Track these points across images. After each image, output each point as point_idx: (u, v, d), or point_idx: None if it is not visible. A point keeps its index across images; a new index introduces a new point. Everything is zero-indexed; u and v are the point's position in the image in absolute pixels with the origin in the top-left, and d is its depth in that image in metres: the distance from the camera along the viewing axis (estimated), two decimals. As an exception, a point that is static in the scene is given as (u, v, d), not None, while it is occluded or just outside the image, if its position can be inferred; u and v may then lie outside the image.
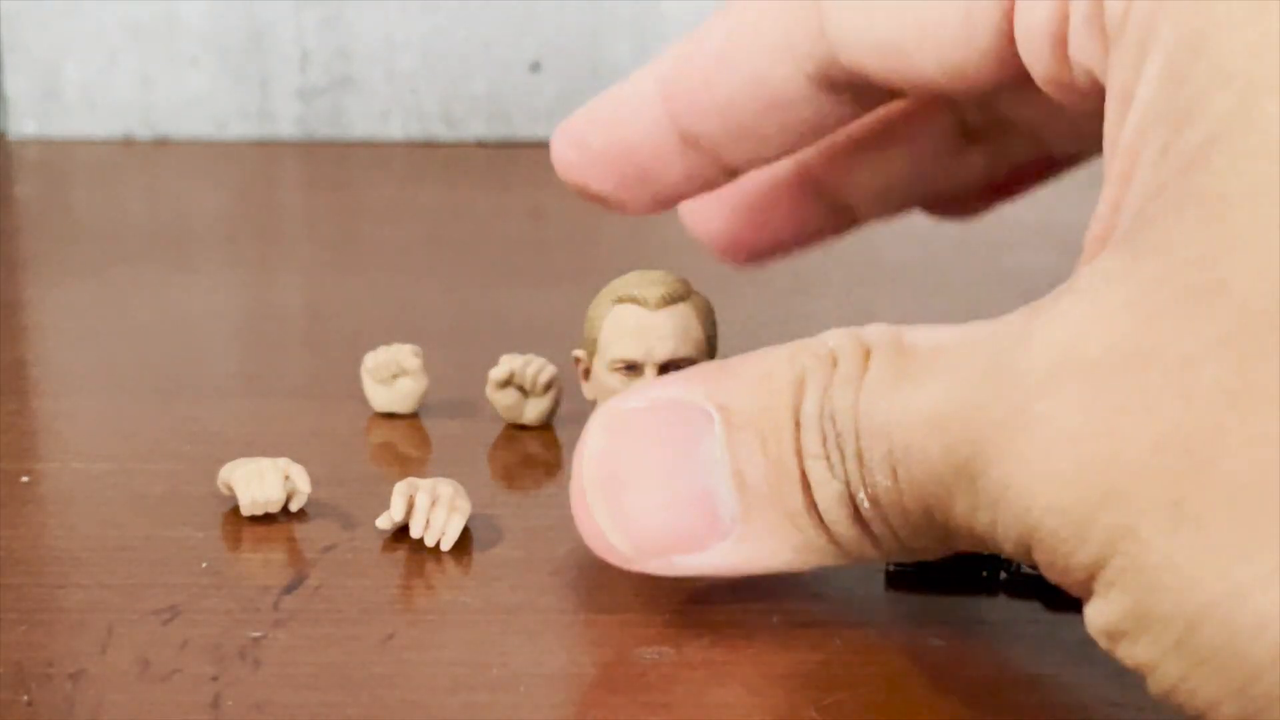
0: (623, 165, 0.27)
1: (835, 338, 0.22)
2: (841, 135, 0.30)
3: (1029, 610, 0.26)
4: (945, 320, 0.21)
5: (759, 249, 0.32)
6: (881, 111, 0.29)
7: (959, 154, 0.30)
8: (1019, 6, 0.22)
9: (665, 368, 0.28)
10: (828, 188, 0.31)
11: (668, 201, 0.28)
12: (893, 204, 0.31)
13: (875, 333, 0.22)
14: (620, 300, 0.28)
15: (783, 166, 0.30)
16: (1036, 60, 0.22)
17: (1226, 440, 0.17)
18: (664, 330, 0.28)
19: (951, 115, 0.30)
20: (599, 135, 0.27)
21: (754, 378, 0.23)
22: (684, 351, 0.28)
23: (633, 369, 0.28)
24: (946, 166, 0.30)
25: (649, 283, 0.28)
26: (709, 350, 0.28)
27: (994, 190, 0.31)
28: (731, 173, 0.27)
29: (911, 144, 0.30)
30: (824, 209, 0.31)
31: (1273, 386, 0.17)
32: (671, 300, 0.28)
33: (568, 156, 0.28)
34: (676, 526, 0.23)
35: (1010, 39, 0.23)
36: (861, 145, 0.30)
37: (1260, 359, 0.17)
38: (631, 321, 0.28)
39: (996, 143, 0.30)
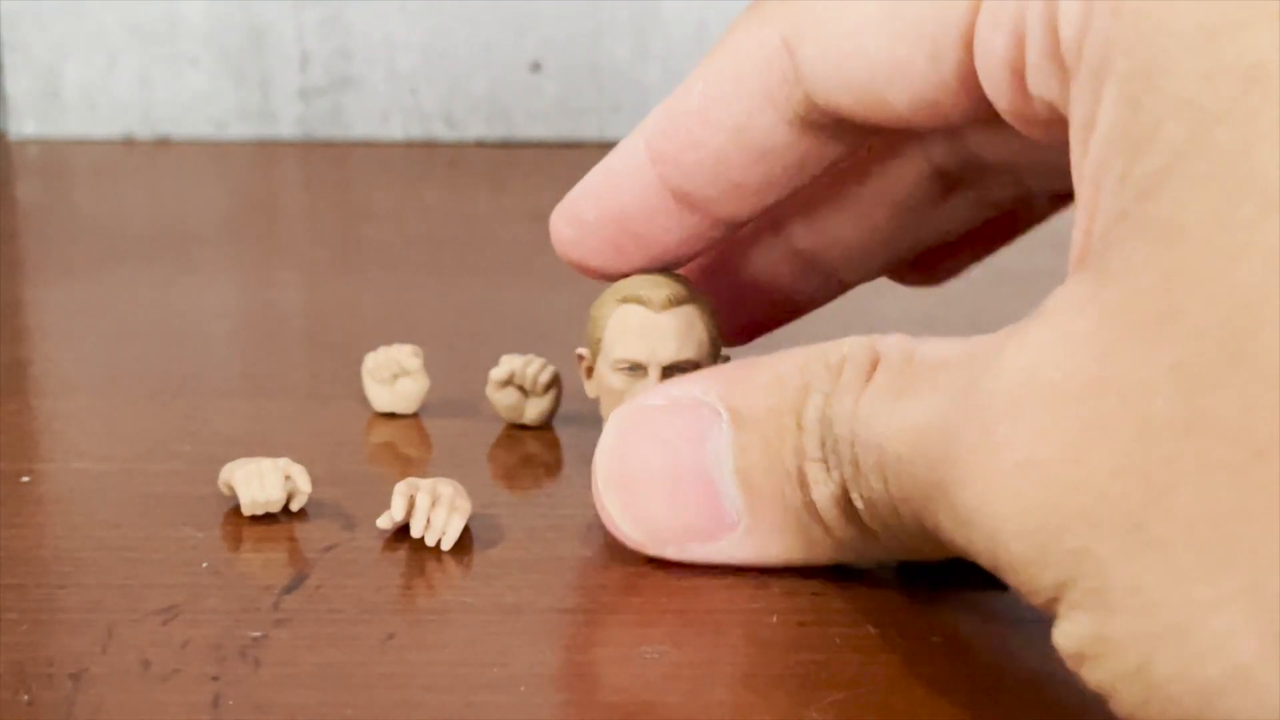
0: (618, 234, 0.28)
1: (850, 346, 0.23)
2: (819, 193, 0.30)
3: (1030, 609, 0.26)
4: (944, 324, 0.22)
5: (749, 327, 0.32)
6: (858, 164, 0.30)
7: (938, 203, 0.30)
8: (978, 40, 0.22)
9: (669, 370, 0.28)
10: (809, 253, 0.30)
11: (655, 264, 0.28)
12: (875, 261, 0.31)
13: (889, 343, 0.22)
14: (625, 300, 0.28)
15: (764, 239, 0.30)
16: (999, 94, 0.22)
17: (1181, 466, 0.17)
18: (668, 331, 0.28)
19: (927, 163, 0.29)
20: (593, 208, 0.28)
21: (765, 381, 0.24)
22: (687, 353, 0.28)
23: (636, 369, 0.28)
24: (926, 217, 0.30)
25: (653, 285, 0.28)
26: (712, 352, 0.28)
27: (975, 242, 0.31)
28: (726, 227, 0.27)
29: (889, 196, 0.30)
30: (807, 275, 0.31)
31: (1222, 413, 0.17)
32: (676, 302, 0.28)
33: (565, 234, 0.28)
34: (683, 517, 0.25)
35: (974, 73, 0.23)
36: (839, 202, 0.30)
37: (1210, 387, 0.17)
38: (635, 322, 0.28)
39: (975, 187, 0.30)
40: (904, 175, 0.29)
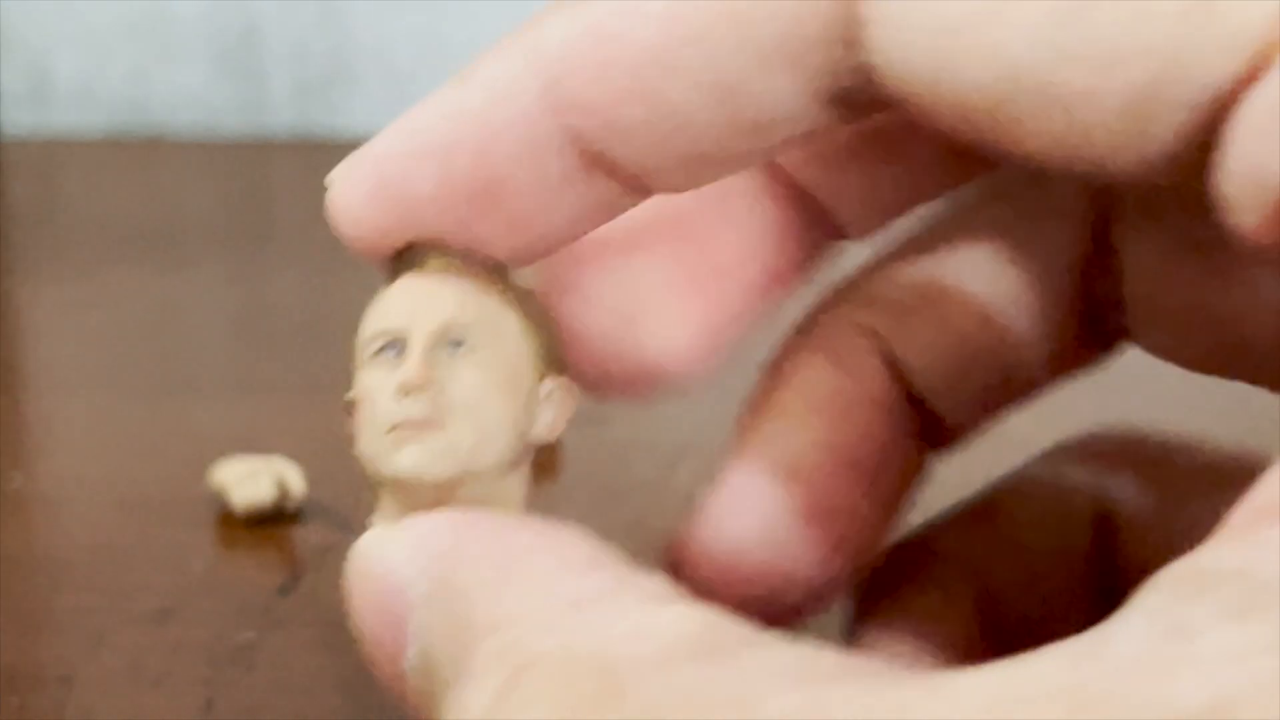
0: (476, 212, 0.18)
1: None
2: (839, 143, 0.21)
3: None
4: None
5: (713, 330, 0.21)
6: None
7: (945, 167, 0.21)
8: (1245, 126, 0.14)
9: (447, 342, 0.17)
10: (808, 190, 0.21)
11: (539, 252, 0.19)
12: (889, 217, 0.21)
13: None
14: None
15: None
16: (1251, 203, 0.14)
17: None
18: (439, 291, 0.18)
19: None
20: (434, 173, 0.18)
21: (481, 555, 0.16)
22: (468, 316, 0.18)
23: (390, 348, 0.18)
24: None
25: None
26: (530, 345, 0.18)
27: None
28: (643, 198, 0.19)
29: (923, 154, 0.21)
30: (796, 222, 0.21)
31: None
32: (465, 275, 0.18)
33: (373, 218, 0.18)
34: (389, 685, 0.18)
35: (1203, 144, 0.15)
36: (862, 153, 0.21)
37: None
38: (395, 290, 0.18)
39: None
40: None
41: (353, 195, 0.18)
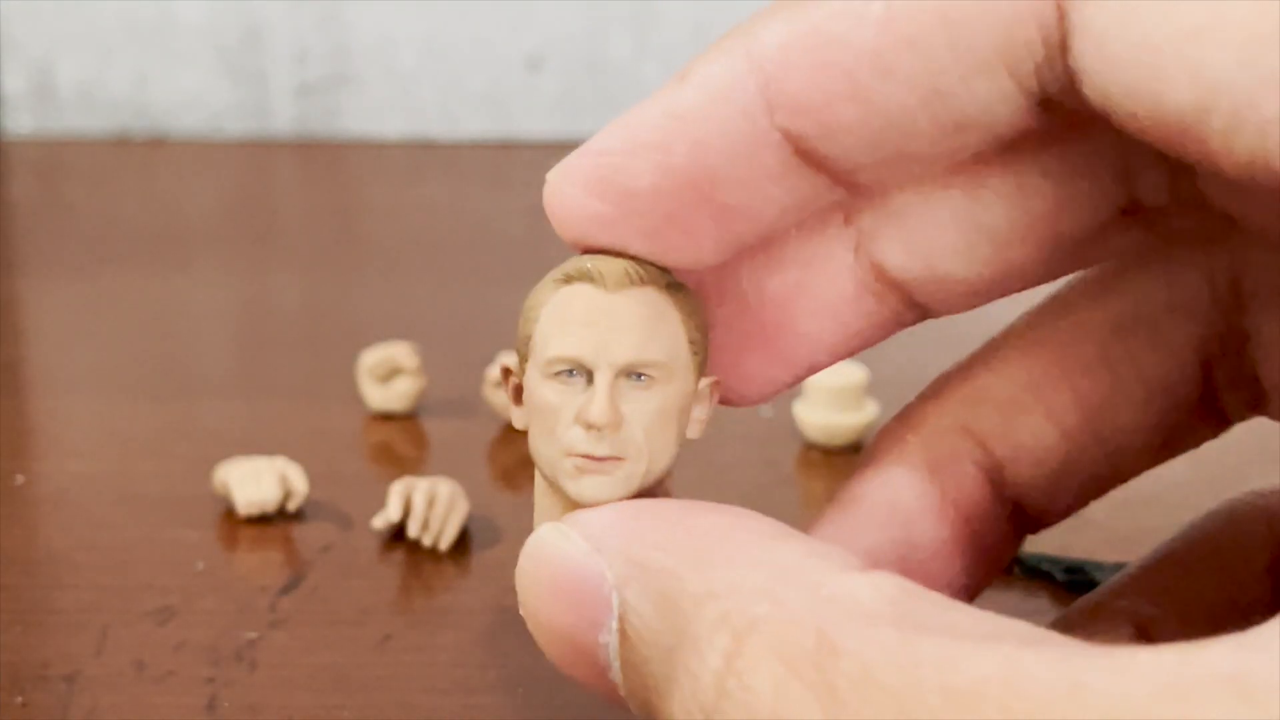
0: (692, 205, 0.19)
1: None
2: (932, 183, 0.20)
3: (1035, 606, 0.26)
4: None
5: (767, 373, 0.21)
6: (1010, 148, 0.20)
7: (1111, 232, 0.21)
8: None
9: (627, 375, 0.19)
10: (894, 271, 0.21)
11: (743, 244, 0.19)
12: (988, 292, 0.21)
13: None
14: (568, 280, 0.19)
15: (824, 236, 0.21)
16: None
17: None
18: (625, 318, 0.19)
19: (1122, 188, 0.20)
20: (651, 168, 0.18)
21: (693, 589, 0.17)
22: (653, 353, 0.19)
23: (576, 374, 0.19)
24: (1088, 244, 0.21)
25: (610, 259, 0.19)
26: (692, 365, 0.19)
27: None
28: (848, 192, 0.19)
29: (1045, 215, 0.20)
30: (879, 299, 0.21)
31: None
32: (640, 281, 0.19)
33: (590, 210, 0.19)
34: (583, 678, 0.19)
35: None
36: (962, 203, 0.20)
37: None
38: (580, 307, 0.19)
39: (1169, 221, 0.21)
40: (1075, 195, 0.20)
41: (571, 188, 0.19)
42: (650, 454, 0.18)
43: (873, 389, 0.33)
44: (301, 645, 0.25)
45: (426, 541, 0.28)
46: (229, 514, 0.29)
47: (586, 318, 0.19)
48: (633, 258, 0.19)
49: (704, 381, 0.19)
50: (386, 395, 0.34)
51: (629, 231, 0.19)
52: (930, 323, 0.21)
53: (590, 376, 0.19)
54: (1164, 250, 0.21)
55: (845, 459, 0.32)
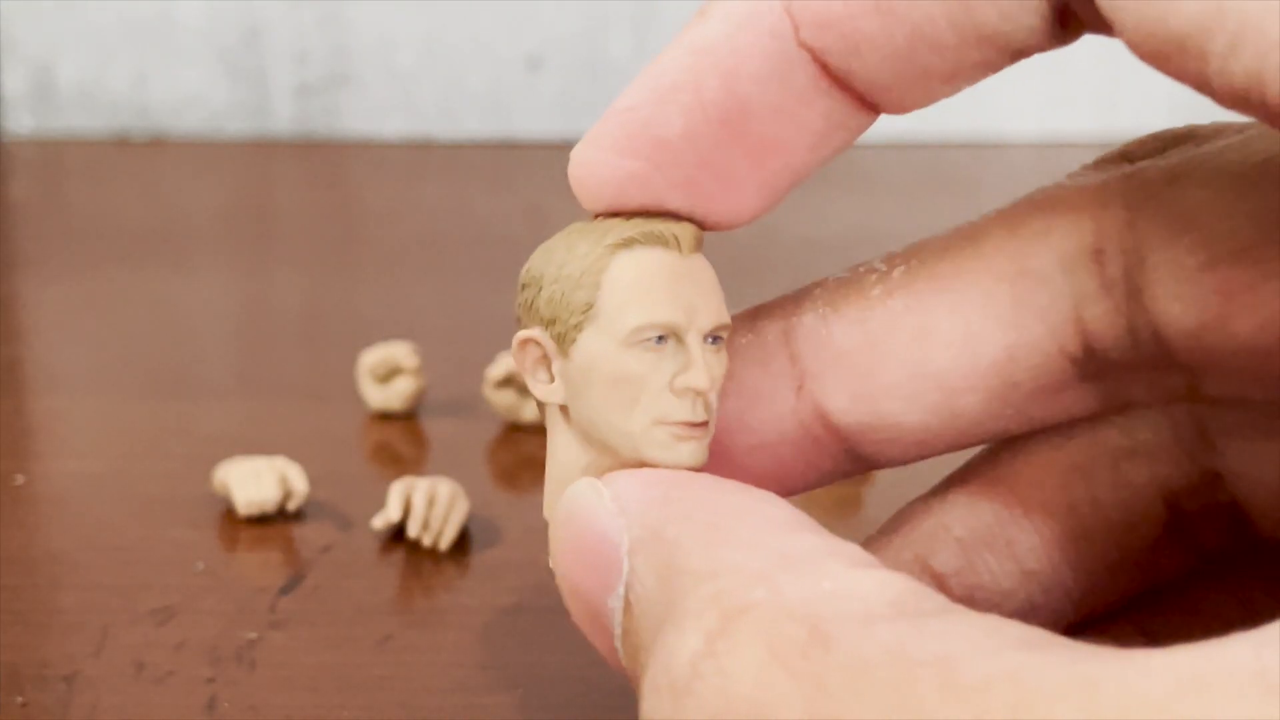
0: (725, 145, 0.18)
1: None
2: (878, 342, 0.20)
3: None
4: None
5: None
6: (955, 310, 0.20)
7: (1064, 388, 0.20)
8: None
9: (712, 340, 0.19)
10: (842, 427, 0.20)
11: (782, 184, 0.19)
12: (931, 441, 0.20)
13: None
14: (629, 243, 0.18)
15: (776, 386, 0.20)
16: None
17: None
18: (706, 282, 0.19)
19: (1073, 336, 0.20)
20: (685, 109, 0.18)
21: (698, 566, 0.16)
22: (726, 315, 0.19)
23: (664, 340, 0.18)
24: (1041, 401, 0.20)
25: (657, 220, 0.19)
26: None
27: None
28: (870, 120, 0.19)
29: (993, 368, 0.20)
30: (824, 451, 0.21)
31: None
32: (700, 242, 0.19)
33: (625, 170, 0.18)
34: (596, 642, 0.18)
35: None
36: (905, 365, 0.20)
37: None
38: (662, 271, 0.18)
39: (1123, 381, 0.20)
40: (1024, 342, 0.20)
41: (600, 153, 0.19)
42: (715, 417, 0.19)
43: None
44: (301, 645, 0.25)
45: (426, 541, 0.28)
46: (229, 514, 0.29)
47: (672, 283, 0.18)
48: (663, 215, 0.19)
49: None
50: (386, 395, 0.34)
51: (665, 185, 0.19)
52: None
53: (678, 340, 0.18)
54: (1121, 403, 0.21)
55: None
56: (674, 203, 0.19)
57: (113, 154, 0.60)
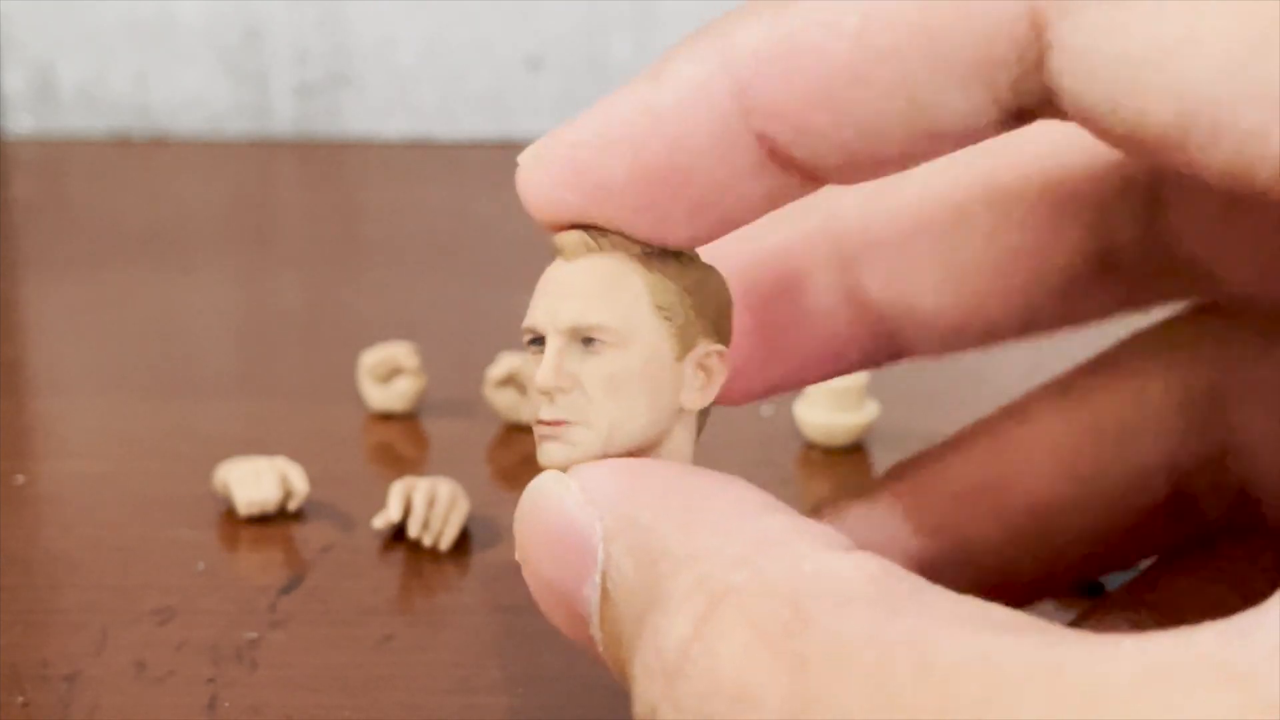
0: (665, 199, 0.19)
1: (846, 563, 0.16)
2: (916, 224, 0.21)
3: (1037, 605, 0.26)
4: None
5: (763, 382, 0.22)
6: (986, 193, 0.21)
7: (1083, 289, 0.21)
8: None
9: (581, 339, 0.19)
10: (880, 305, 0.22)
11: (715, 235, 0.20)
12: (965, 336, 0.21)
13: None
14: (552, 258, 0.20)
15: (818, 270, 0.21)
16: None
17: None
18: (574, 285, 0.19)
19: (1094, 235, 0.21)
20: (625, 162, 0.19)
21: (675, 545, 0.17)
22: (597, 316, 0.19)
23: (538, 344, 0.19)
24: (1059, 299, 0.21)
25: (579, 233, 0.19)
26: (668, 323, 0.19)
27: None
28: (817, 187, 0.20)
29: (1017, 258, 0.21)
30: (866, 332, 0.22)
31: None
32: (601, 249, 0.19)
33: (562, 200, 0.19)
34: (569, 631, 0.19)
35: None
36: (942, 245, 0.21)
37: None
38: (547, 278, 0.19)
39: (1143, 280, 0.21)
40: (1050, 238, 0.20)
41: (545, 178, 0.19)
42: (611, 420, 0.18)
43: (873, 389, 0.33)
44: (302, 645, 0.25)
45: (426, 541, 0.28)
46: (229, 514, 0.29)
47: (545, 288, 0.19)
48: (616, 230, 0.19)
49: (699, 350, 0.19)
50: (386, 395, 0.34)
51: (600, 218, 0.19)
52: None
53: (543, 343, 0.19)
54: (1131, 364, 0.21)
55: (845, 459, 0.32)
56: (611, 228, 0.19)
57: (113, 154, 0.60)
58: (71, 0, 0.62)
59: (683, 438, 0.19)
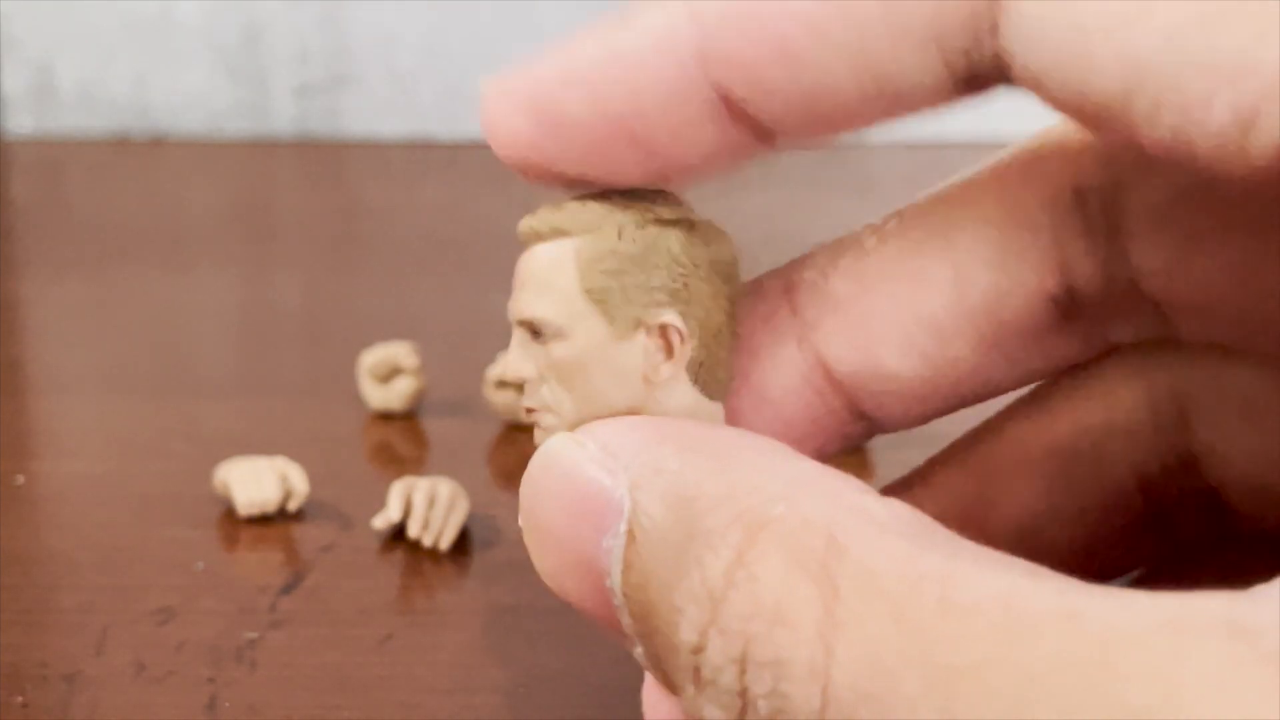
0: (619, 139, 0.19)
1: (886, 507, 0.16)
2: (875, 294, 0.21)
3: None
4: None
5: None
6: (938, 243, 0.21)
7: (1049, 330, 0.21)
8: None
9: (529, 330, 0.19)
10: (847, 380, 0.21)
11: (665, 180, 0.20)
12: (933, 405, 0.21)
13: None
14: None
15: (783, 344, 0.21)
16: None
17: None
18: (522, 274, 0.19)
19: (1050, 274, 0.20)
20: (584, 100, 0.19)
21: (714, 490, 0.17)
22: (533, 309, 0.19)
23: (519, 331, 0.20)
24: (1027, 345, 0.21)
25: (553, 208, 0.20)
26: (599, 305, 0.19)
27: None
28: (772, 144, 0.20)
29: (980, 312, 0.20)
30: (832, 409, 0.21)
31: None
32: (544, 235, 0.19)
33: (520, 131, 0.19)
34: (583, 601, 0.19)
35: None
36: (903, 313, 0.21)
37: None
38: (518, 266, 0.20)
39: (1103, 323, 0.21)
40: (1010, 283, 0.20)
41: (506, 107, 0.20)
42: (573, 405, 0.19)
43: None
44: (301, 645, 0.25)
45: (427, 541, 0.28)
46: (229, 514, 0.29)
47: (516, 279, 0.19)
48: (578, 193, 0.20)
49: (651, 321, 0.19)
50: (386, 395, 0.34)
51: (555, 152, 0.19)
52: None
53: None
54: (1101, 375, 0.21)
55: (845, 460, 0.33)
56: (566, 169, 0.20)
57: (113, 154, 0.60)
58: (71, 0, 0.62)
59: (674, 406, 0.19)
